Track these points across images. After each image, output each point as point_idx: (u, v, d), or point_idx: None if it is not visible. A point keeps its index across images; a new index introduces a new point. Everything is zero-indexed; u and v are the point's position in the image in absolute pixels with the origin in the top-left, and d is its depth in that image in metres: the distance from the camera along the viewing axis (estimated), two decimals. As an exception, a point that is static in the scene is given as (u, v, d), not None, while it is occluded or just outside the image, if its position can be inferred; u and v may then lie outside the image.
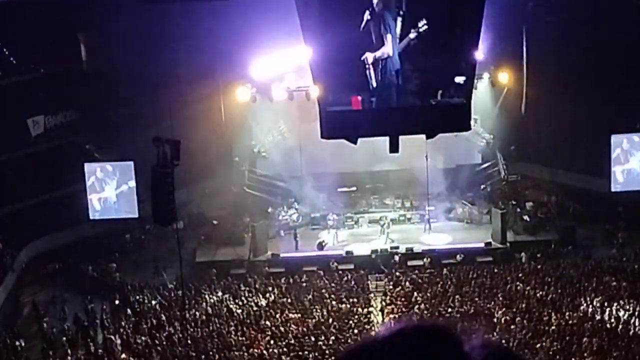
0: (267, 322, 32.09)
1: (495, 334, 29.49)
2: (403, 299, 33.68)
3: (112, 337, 31.80)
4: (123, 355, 30.13)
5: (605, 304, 31.03)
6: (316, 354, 28.40)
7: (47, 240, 40.31)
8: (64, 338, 32.48)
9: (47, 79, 41.71)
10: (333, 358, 28.10)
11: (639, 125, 39.44)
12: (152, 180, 26.96)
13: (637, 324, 28.62)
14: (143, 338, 31.09)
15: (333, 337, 29.79)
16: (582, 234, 39.86)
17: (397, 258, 38.17)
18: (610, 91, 40.90)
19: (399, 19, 17.39)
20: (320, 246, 39.51)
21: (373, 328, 31.85)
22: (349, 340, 29.45)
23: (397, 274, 36.69)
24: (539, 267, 36.61)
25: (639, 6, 39.35)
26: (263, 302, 34.52)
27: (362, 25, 17.00)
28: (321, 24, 16.92)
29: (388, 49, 17.51)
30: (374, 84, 17.80)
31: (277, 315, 32.87)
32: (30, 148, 41.37)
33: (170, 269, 37.61)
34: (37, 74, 41.75)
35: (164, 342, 30.64)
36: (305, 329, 31.18)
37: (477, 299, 33.01)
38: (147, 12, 38.73)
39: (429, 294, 33.86)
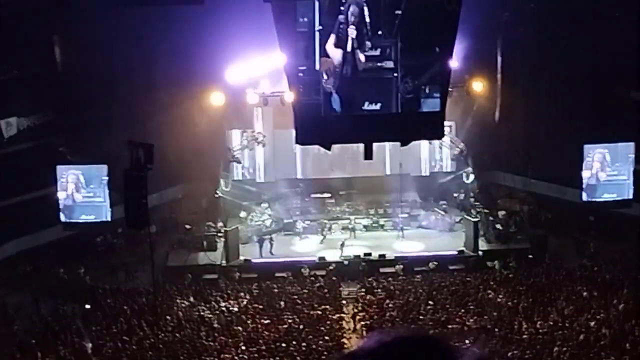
0: (239, 328, 31.96)
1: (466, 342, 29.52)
2: (375, 306, 33.67)
3: (83, 341, 31.57)
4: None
5: (576, 313, 31.18)
6: (287, 360, 28.35)
7: (18, 243, 39.97)
8: (34, 341, 32.20)
9: (21, 80, 41.39)
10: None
11: (612, 135, 39.62)
12: (125, 183, 26.86)
13: (607, 334, 28.74)
14: (114, 342, 30.87)
15: (304, 344, 29.71)
16: (554, 243, 40.05)
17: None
18: (584, 101, 41.23)
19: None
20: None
21: (345, 335, 31.81)
22: (320, 347, 29.38)
23: (369, 279, 36.84)
24: (510, 275, 36.76)
25: (613, 17, 39.65)
26: (235, 308, 34.44)
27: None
28: (296, 31, 16.99)
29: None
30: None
31: (249, 321, 32.75)
32: (2, 149, 41.04)
33: (142, 273, 37.46)
34: (10, 75, 41.43)
35: (135, 347, 30.44)
36: (276, 335, 31.07)
37: (448, 306, 33.05)
38: (123, 15, 38.51)
39: (401, 301, 33.87)
